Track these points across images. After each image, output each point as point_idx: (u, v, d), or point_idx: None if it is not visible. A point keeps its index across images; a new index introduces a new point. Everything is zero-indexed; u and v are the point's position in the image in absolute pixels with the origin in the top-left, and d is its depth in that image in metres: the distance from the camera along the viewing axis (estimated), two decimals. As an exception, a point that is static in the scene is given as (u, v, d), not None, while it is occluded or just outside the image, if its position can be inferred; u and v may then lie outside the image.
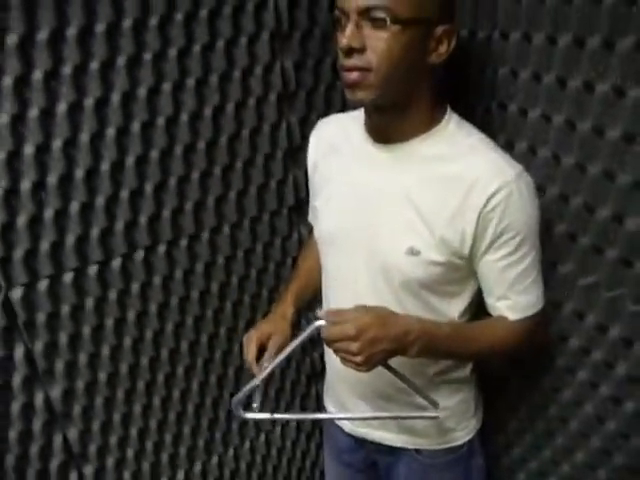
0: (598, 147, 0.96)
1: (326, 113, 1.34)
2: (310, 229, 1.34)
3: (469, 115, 1.12)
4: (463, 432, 1.23)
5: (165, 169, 1.30)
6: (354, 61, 0.92)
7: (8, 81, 1.10)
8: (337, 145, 1.15)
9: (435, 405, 1.06)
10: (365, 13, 0.90)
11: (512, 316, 1.06)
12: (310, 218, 1.31)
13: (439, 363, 1.13)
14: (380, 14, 0.89)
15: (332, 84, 1.41)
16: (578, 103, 0.98)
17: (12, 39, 1.07)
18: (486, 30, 1.13)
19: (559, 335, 1.16)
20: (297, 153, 1.40)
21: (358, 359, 0.93)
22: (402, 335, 0.96)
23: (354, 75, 0.93)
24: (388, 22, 0.89)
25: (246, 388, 1.07)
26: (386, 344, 0.94)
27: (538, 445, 1.31)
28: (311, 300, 1.35)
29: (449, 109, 1.04)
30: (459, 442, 1.23)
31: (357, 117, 1.11)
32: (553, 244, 1.09)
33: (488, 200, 0.95)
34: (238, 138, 1.35)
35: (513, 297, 1.04)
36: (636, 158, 0.90)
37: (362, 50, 0.91)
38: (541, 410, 1.27)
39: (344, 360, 0.96)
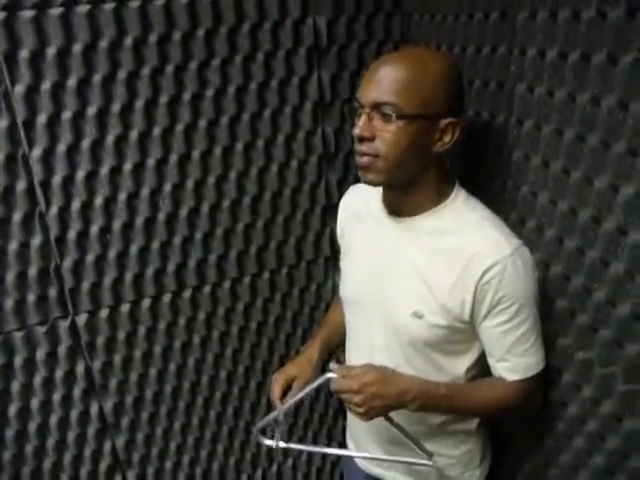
0: (596, 234, 1.00)
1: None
2: None
3: (486, 191, 1.19)
4: None
5: (213, 220, 1.44)
6: (365, 148, 1.01)
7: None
8: (360, 213, 1.24)
9: (430, 456, 1.13)
10: (376, 107, 0.99)
11: (510, 377, 1.10)
12: None
13: (443, 415, 1.18)
14: (387, 110, 0.98)
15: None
16: (580, 193, 1.03)
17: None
18: (504, 115, 1.21)
19: (560, 401, 1.18)
20: (334, 208, 1.46)
21: (360, 410, 1.03)
22: (401, 394, 1.04)
23: (365, 160, 1.02)
24: (394, 117, 0.97)
25: (266, 418, 1.20)
26: (385, 400, 1.03)
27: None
28: (337, 346, 1.44)
29: (457, 186, 1.11)
30: None
31: (379, 190, 1.18)
32: (555, 318, 1.13)
33: (484, 273, 1.01)
34: (280, 195, 1.47)
35: (512, 359, 1.08)
36: (628, 247, 0.94)
37: (372, 139, 1.00)
38: (544, 469, 1.29)
39: (349, 409, 1.06)
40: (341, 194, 1.35)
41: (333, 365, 1.07)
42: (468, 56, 1.27)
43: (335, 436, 1.83)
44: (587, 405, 1.12)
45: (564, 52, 0.99)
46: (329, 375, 1.06)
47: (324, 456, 1.86)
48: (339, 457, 1.83)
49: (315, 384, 1.10)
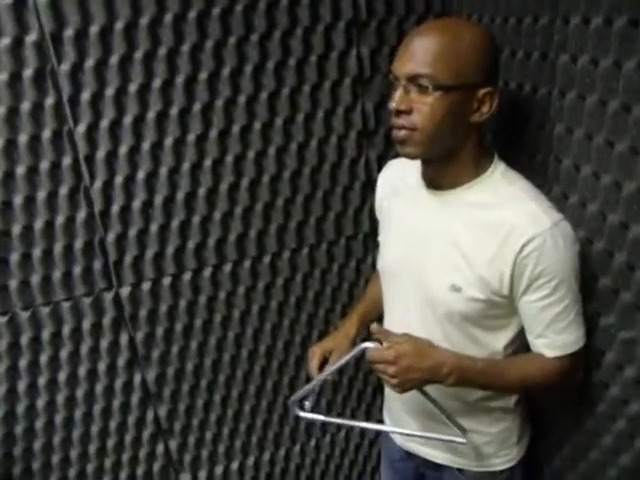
0: (640, 209, 0.98)
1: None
2: None
3: (528, 165, 1.17)
4: (503, 459, 1.27)
5: (253, 195, 1.46)
6: (402, 121, 1.01)
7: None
8: (398, 187, 1.24)
9: (463, 432, 1.13)
10: (412, 79, 0.98)
11: (548, 353, 1.09)
12: None
13: (480, 391, 1.17)
14: (424, 82, 0.97)
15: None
16: (625, 165, 1.00)
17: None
18: (547, 87, 1.17)
19: (601, 382, 1.16)
20: (374, 184, 1.45)
21: (393, 381, 1.04)
22: (436, 367, 1.04)
23: (402, 133, 1.02)
24: (430, 89, 0.97)
25: (302, 390, 1.22)
26: (420, 373, 1.04)
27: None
28: (375, 321, 1.45)
29: (496, 159, 1.10)
30: (499, 467, 1.27)
31: (417, 164, 1.17)
32: (597, 296, 1.11)
33: (523, 247, 1.00)
34: (320, 170, 1.48)
35: (550, 336, 1.07)
36: None
37: (409, 112, 1.00)
38: (584, 451, 1.27)
39: (383, 381, 1.07)
40: (380, 170, 1.35)
41: (375, 325, 1.08)
42: (510, 27, 1.24)
43: (374, 414, 1.84)
44: (630, 386, 1.10)
45: (609, 18, 0.96)
46: (365, 345, 1.07)
47: (362, 433, 1.87)
48: (378, 434, 1.83)
49: (351, 354, 1.11)
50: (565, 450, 1.35)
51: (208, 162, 1.40)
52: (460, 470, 1.29)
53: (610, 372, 1.14)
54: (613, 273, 1.07)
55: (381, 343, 1.07)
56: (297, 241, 1.54)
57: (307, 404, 1.25)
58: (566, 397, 1.25)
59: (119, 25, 1.25)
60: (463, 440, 1.14)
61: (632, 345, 1.06)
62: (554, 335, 1.07)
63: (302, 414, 1.26)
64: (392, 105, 1.01)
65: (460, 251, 1.07)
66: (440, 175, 1.10)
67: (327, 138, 1.46)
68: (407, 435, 1.33)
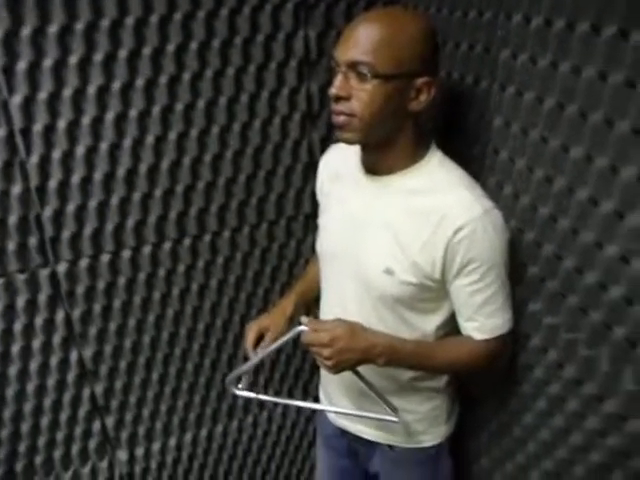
0: (569, 203, 1.02)
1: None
2: None
3: (466, 154, 1.20)
4: (432, 436, 1.33)
5: (195, 174, 1.44)
6: (341, 107, 1.03)
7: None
8: (339, 171, 1.26)
9: (395, 411, 1.18)
10: (352, 66, 1.00)
11: (477, 336, 1.14)
12: None
13: (411, 372, 1.22)
14: (363, 69, 0.99)
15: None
16: (556, 161, 1.04)
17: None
18: (488, 80, 1.21)
19: (526, 364, 1.23)
20: (316, 167, 1.46)
21: (328, 363, 1.07)
22: (368, 348, 1.08)
23: (341, 119, 1.04)
24: (369, 76, 0.99)
25: (238, 369, 1.25)
26: (353, 354, 1.07)
27: (502, 459, 1.40)
28: (312, 301, 1.47)
29: (433, 147, 1.13)
30: (428, 444, 1.33)
31: (357, 149, 1.19)
32: (526, 283, 1.16)
33: (455, 233, 1.04)
34: (263, 151, 1.47)
35: (480, 319, 1.12)
36: (599, 217, 0.96)
37: (348, 98, 1.02)
38: (507, 428, 1.34)
39: (318, 361, 1.10)
40: (323, 152, 1.36)
41: (304, 319, 1.11)
42: (455, 19, 1.26)
43: (311, 391, 1.88)
44: (551, 369, 1.16)
45: (549, 19, 0.99)
46: (300, 328, 1.09)
47: (299, 409, 1.91)
48: (314, 411, 1.88)
49: (286, 337, 1.13)
50: (490, 427, 1.42)
51: (150, 139, 1.37)
52: (390, 447, 1.35)
53: (535, 355, 1.20)
54: (541, 262, 1.12)
55: None
56: (238, 220, 1.54)
57: (244, 382, 1.27)
58: (493, 378, 1.32)
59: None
60: (395, 419, 1.19)
61: (556, 330, 1.12)
62: (483, 319, 1.12)
63: (239, 392, 1.28)
64: (332, 91, 1.03)
65: (395, 236, 1.11)
66: (378, 161, 1.13)
67: (271, 119, 1.45)
68: (341, 414, 1.38)
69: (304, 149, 1.51)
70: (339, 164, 1.27)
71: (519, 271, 1.16)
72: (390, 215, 1.12)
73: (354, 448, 1.45)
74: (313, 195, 1.53)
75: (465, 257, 1.06)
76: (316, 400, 1.85)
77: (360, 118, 1.02)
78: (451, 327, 1.21)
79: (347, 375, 1.13)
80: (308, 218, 1.61)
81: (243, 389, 1.28)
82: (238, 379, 1.28)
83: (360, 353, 1.08)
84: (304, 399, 1.87)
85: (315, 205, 1.53)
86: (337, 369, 1.09)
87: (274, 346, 1.19)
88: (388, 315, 1.18)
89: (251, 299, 1.66)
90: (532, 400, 1.24)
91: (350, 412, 1.31)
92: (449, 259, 1.07)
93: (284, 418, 1.90)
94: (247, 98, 1.40)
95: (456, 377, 1.33)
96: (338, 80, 1.02)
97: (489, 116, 1.22)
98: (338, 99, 1.03)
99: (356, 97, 1.01)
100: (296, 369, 1.82)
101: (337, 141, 1.33)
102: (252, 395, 1.29)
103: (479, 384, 1.41)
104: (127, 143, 1.36)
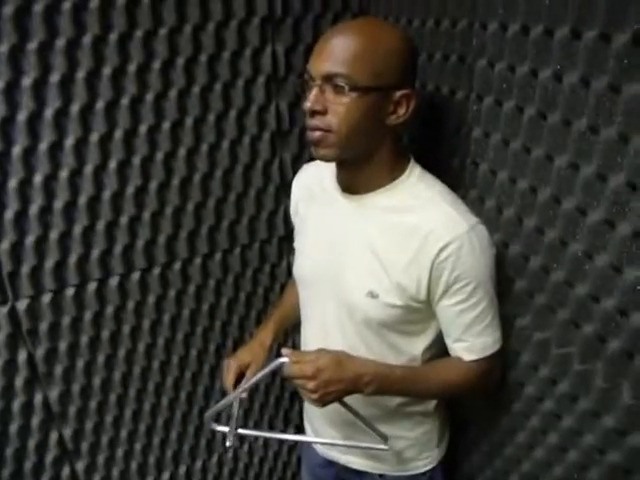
0: (556, 214, 0.98)
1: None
2: None
3: (444, 168, 1.16)
4: (425, 461, 1.28)
5: (162, 199, 1.38)
6: (316, 122, 0.98)
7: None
8: (314, 191, 1.21)
9: (385, 439, 1.13)
10: (327, 79, 0.95)
11: (467, 357, 1.09)
12: None
13: (399, 397, 1.17)
14: (340, 81, 0.94)
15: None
16: (540, 171, 1.01)
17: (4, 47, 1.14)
18: (464, 91, 1.18)
19: (517, 381, 1.19)
20: (288, 187, 1.42)
21: (313, 396, 1.01)
22: (355, 378, 1.02)
23: (316, 134, 0.99)
24: (347, 89, 0.94)
25: (218, 405, 1.17)
26: (340, 385, 1.01)
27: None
28: (291, 328, 1.43)
29: (412, 162, 1.09)
30: (420, 470, 1.28)
31: (332, 167, 1.15)
32: (513, 298, 1.12)
33: (440, 251, 1.00)
34: (232, 172, 1.42)
35: (469, 339, 1.08)
36: (587, 227, 0.94)
37: (324, 112, 0.97)
38: (500, 448, 1.30)
39: (302, 395, 1.04)
40: (295, 172, 1.32)
41: (285, 350, 1.05)
42: (427, 29, 1.23)
43: (292, 419, 1.82)
44: (544, 385, 1.13)
45: (526, 26, 0.96)
46: (282, 360, 1.03)
47: (281, 440, 1.84)
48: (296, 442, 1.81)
49: (267, 370, 1.06)
50: (482, 447, 1.38)
51: (113, 164, 1.30)
52: (382, 476, 1.29)
53: (525, 372, 1.16)
54: (528, 276, 1.09)
55: None
56: (209, 246, 1.48)
57: (231, 422, 1.20)
58: (482, 397, 1.27)
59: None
60: (385, 447, 1.14)
61: (546, 345, 1.09)
62: (472, 338, 1.08)
63: (220, 428, 1.21)
64: (307, 105, 0.98)
65: (377, 257, 1.06)
66: (355, 179, 1.08)
67: (240, 139, 1.40)
68: (329, 445, 1.31)
69: (275, 169, 1.47)
70: (313, 183, 1.22)
71: (505, 286, 1.12)
72: (370, 235, 1.07)
73: (342, 478, 1.39)
74: (286, 217, 1.50)
75: (451, 276, 1.01)
76: (299, 429, 1.81)
77: (337, 133, 0.98)
78: (438, 348, 1.16)
79: (333, 405, 1.06)
80: (282, 241, 1.56)
81: (223, 425, 1.21)
82: (217, 415, 1.20)
83: (347, 384, 1.02)
84: (285, 427, 1.81)
85: (289, 227, 1.51)
86: (323, 402, 1.02)
87: (253, 380, 1.12)
88: (373, 340, 1.13)
89: (226, 328, 1.60)
90: (525, 418, 1.20)
91: (338, 443, 1.25)
92: (434, 279, 1.03)
93: (266, 449, 1.83)
94: (214, 117, 1.35)
95: (445, 399, 1.28)
96: (313, 94, 0.97)
97: (467, 128, 1.19)
98: (313, 114, 0.98)
99: (332, 111, 0.97)
100: (276, 397, 1.76)
101: (310, 160, 1.32)
102: (236, 432, 1.22)
103: (470, 402, 1.37)
104: (88, 169, 1.29)
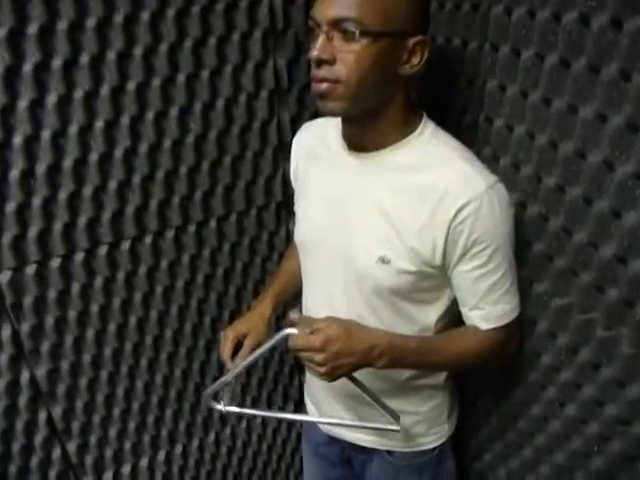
0: (579, 170, 0.93)
1: (318, 111, 1.32)
2: None
3: (456, 126, 1.10)
4: (434, 437, 1.24)
5: (153, 162, 1.29)
6: (324, 73, 0.91)
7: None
8: (316, 151, 1.14)
9: (396, 419, 1.07)
10: (335, 25, 0.88)
11: (485, 326, 1.04)
12: None
13: (410, 370, 1.12)
14: (350, 27, 0.87)
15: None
16: (562, 124, 0.95)
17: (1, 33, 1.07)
18: (477, 41, 1.10)
19: (533, 351, 1.14)
20: (287, 150, 1.35)
21: (322, 370, 0.94)
22: (367, 350, 0.96)
23: (324, 86, 0.92)
24: (357, 35, 0.87)
25: (217, 382, 1.11)
26: (351, 358, 0.95)
27: (507, 454, 1.31)
28: (291, 299, 1.36)
29: (425, 118, 1.02)
30: (430, 446, 1.24)
31: (337, 124, 1.09)
32: (530, 262, 1.07)
33: (457, 212, 0.94)
34: (228, 134, 1.33)
35: (486, 307, 1.03)
36: (614, 183, 0.88)
37: (332, 62, 0.90)
38: (512, 421, 1.26)
39: (309, 369, 0.97)
40: (294, 133, 1.25)
41: (294, 314, 0.98)
42: (439, -26, 1.16)
43: (291, 395, 1.76)
44: (562, 354, 1.08)
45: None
46: (288, 331, 0.96)
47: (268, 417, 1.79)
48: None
49: (271, 342, 1.00)
50: (492, 421, 1.34)
51: (99, 124, 1.21)
52: (390, 452, 1.25)
53: (543, 340, 1.11)
54: (548, 238, 1.03)
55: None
56: (203, 213, 1.40)
57: (223, 396, 1.15)
58: (499, 368, 1.22)
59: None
60: (396, 428, 1.08)
61: (566, 312, 1.04)
62: (490, 306, 1.03)
63: (220, 407, 1.15)
64: (313, 54, 0.90)
65: (388, 219, 1.00)
66: (364, 135, 1.02)
67: (235, 97, 1.31)
68: (336, 425, 1.26)
69: (273, 130, 1.38)
70: (315, 143, 1.15)
71: (522, 249, 1.07)
72: (381, 196, 1.01)
73: (348, 456, 1.35)
74: (285, 181, 1.43)
75: (469, 239, 0.95)
76: (298, 405, 1.76)
77: (346, 84, 0.91)
78: (451, 318, 1.11)
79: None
80: (280, 207, 1.49)
81: (224, 404, 1.15)
82: (216, 393, 1.14)
83: (358, 357, 0.96)
84: (285, 403, 1.76)
85: (288, 192, 1.44)
86: (332, 376, 0.96)
87: (257, 353, 1.05)
88: (383, 309, 1.07)
89: (222, 300, 1.52)
90: (540, 389, 1.15)
91: (346, 423, 1.20)
92: (451, 242, 0.96)
93: (264, 426, 1.77)
94: (208, 74, 1.26)
95: (459, 371, 1.23)
96: (320, 42, 0.90)
97: (480, 81, 1.12)
98: (320, 63, 0.91)
99: (341, 60, 0.90)
100: (275, 372, 1.70)
101: (310, 119, 1.25)
102: (236, 410, 1.16)
103: (481, 373, 1.31)
104: (73, 130, 1.19)
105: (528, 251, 1.07)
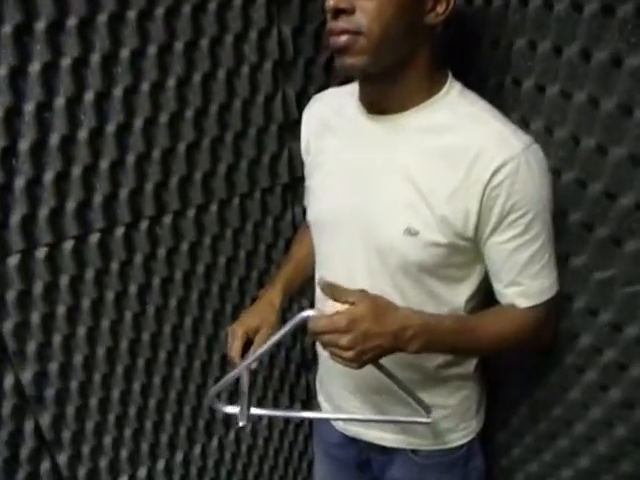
0: (623, 128, 0.86)
1: (326, 85, 1.25)
2: (305, 209, 1.24)
3: (479, 92, 1.03)
4: (463, 432, 1.16)
5: (149, 139, 1.20)
6: (342, 24, 0.85)
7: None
8: (330, 122, 1.07)
9: (428, 410, 0.99)
10: None
11: (523, 303, 0.97)
12: (305, 201, 1.23)
13: (441, 356, 1.04)
14: None
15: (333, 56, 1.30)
16: (602, 79, 0.88)
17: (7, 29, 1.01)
18: (503, -1, 1.04)
19: (569, 331, 1.07)
20: (294, 127, 1.28)
21: (348, 355, 0.85)
22: (399, 331, 0.87)
23: (343, 39, 0.85)
24: None
25: (223, 381, 1.00)
26: (380, 340, 0.86)
27: (539, 447, 1.23)
28: (302, 289, 1.28)
29: (451, 77, 0.96)
30: (458, 443, 1.16)
31: (351, 91, 1.03)
32: (567, 234, 1.00)
33: (493, 174, 0.87)
34: (229, 108, 1.25)
35: (525, 282, 0.95)
36: None
37: (351, 11, 0.84)
38: (545, 410, 1.18)
39: (333, 355, 0.87)
40: (301, 109, 1.18)
41: (323, 280, 0.89)
42: None
43: (298, 395, 1.67)
44: (604, 333, 1.00)
45: None
46: (306, 313, 0.86)
47: (287, 418, 1.70)
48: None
49: (288, 327, 0.90)
50: (521, 411, 1.26)
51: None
52: (414, 451, 1.16)
53: (581, 319, 1.04)
54: (587, 206, 0.96)
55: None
56: (204, 195, 1.30)
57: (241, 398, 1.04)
58: (538, 351, 1.14)
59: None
60: (428, 420, 0.99)
61: (608, 286, 0.97)
62: (528, 281, 0.95)
63: (229, 409, 1.06)
64: (330, 3, 0.84)
65: (415, 186, 0.92)
66: (386, 95, 0.94)
67: (237, 69, 1.22)
68: (359, 421, 1.16)
69: (278, 105, 1.30)
70: (328, 114, 1.09)
71: (557, 220, 0.99)
72: (406, 161, 0.94)
73: (366, 457, 1.26)
74: (291, 161, 1.36)
75: (506, 204, 0.88)
76: (306, 405, 1.68)
77: (368, 36, 0.84)
78: (481, 299, 1.04)
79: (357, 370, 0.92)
80: (286, 189, 1.40)
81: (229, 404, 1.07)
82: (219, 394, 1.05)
83: (388, 339, 0.87)
84: (291, 404, 1.66)
85: (294, 173, 1.37)
86: (360, 362, 0.87)
87: (269, 344, 0.94)
88: (410, 288, 0.99)
89: (224, 292, 1.43)
90: (578, 373, 1.08)
91: (372, 418, 1.10)
92: (486, 209, 0.89)
93: (270, 429, 1.68)
94: (207, 43, 1.17)
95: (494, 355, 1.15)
96: None
97: (506, 41, 1.05)
98: (338, 13, 0.84)
99: (361, 9, 0.83)
100: (280, 371, 1.60)
101: (318, 92, 1.17)
102: (246, 410, 1.05)
103: (508, 363, 1.23)
104: (60, 102, 1.09)
105: (564, 222, 1.00)
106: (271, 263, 1.45)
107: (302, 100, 1.28)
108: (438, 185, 0.91)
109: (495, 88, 1.10)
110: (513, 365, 1.25)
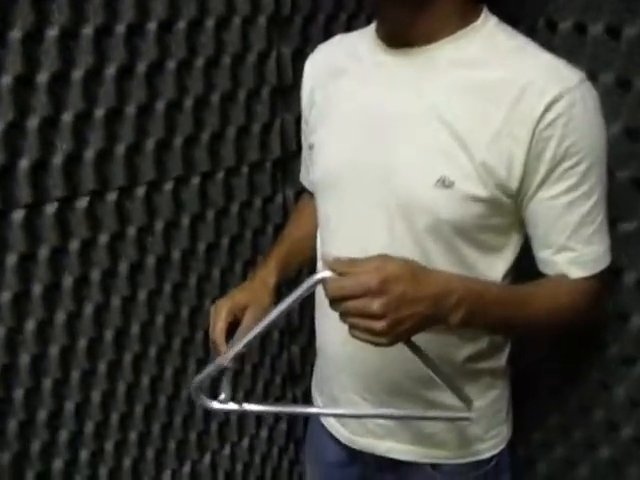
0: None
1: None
2: (298, 191, 1.15)
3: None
4: (492, 442, 1.00)
5: (122, 94, 1.05)
6: None
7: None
8: (341, 65, 0.96)
9: (469, 403, 0.82)
10: None
11: (577, 273, 0.83)
12: (302, 176, 1.12)
13: (471, 345, 0.91)
14: None
15: (334, 13, 1.22)
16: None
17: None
18: None
19: (617, 312, 0.96)
20: (287, 92, 1.18)
21: (380, 325, 0.67)
22: (442, 296, 0.72)
23: None
24: None
25: (208, 370, 0.83)
26: (420, 307, 0.70)
27: (573, 460, 1.09)
28: (297, 272, 1.13)
29: (486, 9, 0.85)
30: (486, 455, 1.00)
31: (365, 32, 0.95)
32: (613, 196, 0.87)
33: (546, 110, 0.75)
34: (217, 66, 1.14)
35: (577, 247, 0.83)
36: None
37: None
38: (584, 413, 1.06)
39: (355, 329, 0.69)
40: (296, 71, 1.11)
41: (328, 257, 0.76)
42: None
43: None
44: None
45: None
46: (322, 274, 0.70)
47: (289, 432, 1.53)
48: (306, 431, 1.43)
49: (298, 292, 0.72)
50: (552, 419, 1.12)
51: (79, 73, 1.01)
52: (434, 466, 1.00)
53: (631, 298, 0.94)
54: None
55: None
56: (184, 166, 1.16)
57: (223, 394, 0.87)
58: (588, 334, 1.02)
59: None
60: (470, 414, 0.83)
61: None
62: (582, 246, 0.83)
63: (217, 405, 0.87)
64: None
65: (449, 128, 0.81)
66: (412, 24, 0.83)
67: (228, 22, 1.12)
68: (390, 418, 0.98)
69: (272, 66, 1.20)
70: (339, 57, 0.98)
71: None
72: (437, 100, 0.82)
73: (369, 478, 1.08)
74: (283, 132, 1.26)
75: (560, 147, 0.77)
76: (291, 421, 1.52)
77: None
78: (512, 279, 0.90)
79: (367, 363, 0.85)
80: (277, 165, 1.28)
81: (222, 400, 0.87)
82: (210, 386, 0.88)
83: (430, 305, 0.71)
84: (276, 422, 1.49)
85: (287, 147, 1.27)
86: (394, 335, 0.70)
87: (273, 315, 0.76)
88: (440, 255, 0.85)
89: (203, 284, 1.27)
90: (625, 365, 0.94)
91: (407, 415, 0.93)
92: (535, 154, 0.78)
93: (270, 444, 1.50)
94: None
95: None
96: None
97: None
98: None
99: None
100: (265, 382, 1.43)
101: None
102: (234, 408, 0.88)
103: (535, 358, 1.10)
104: (42, 78, 0.95)
105: (610, 180, 0.88)
106: (257, 253, 1.31)
107: (298, 62, 1.17)
108: (477, 127, 0.79)
109: (526, 32, 0.99)
110: (539, 363, 1.13)
